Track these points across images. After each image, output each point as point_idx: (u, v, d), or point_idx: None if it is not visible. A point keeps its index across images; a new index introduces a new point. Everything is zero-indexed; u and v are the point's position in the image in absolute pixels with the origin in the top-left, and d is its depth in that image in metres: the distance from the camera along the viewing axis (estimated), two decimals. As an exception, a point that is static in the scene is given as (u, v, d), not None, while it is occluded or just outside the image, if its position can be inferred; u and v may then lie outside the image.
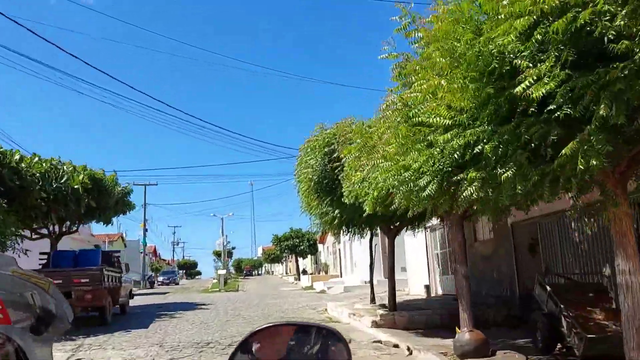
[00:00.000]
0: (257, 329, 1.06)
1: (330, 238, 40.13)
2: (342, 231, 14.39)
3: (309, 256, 52.37)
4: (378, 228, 13.69)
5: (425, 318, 11.76)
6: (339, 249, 36.91)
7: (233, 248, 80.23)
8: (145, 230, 44.67)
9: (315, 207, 11.50)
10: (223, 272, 32.11)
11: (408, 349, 8.88)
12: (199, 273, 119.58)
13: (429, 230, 17.98)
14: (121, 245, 45.78)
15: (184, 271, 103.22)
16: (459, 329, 7.91)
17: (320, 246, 47.79)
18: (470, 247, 14.59)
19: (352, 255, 32.53)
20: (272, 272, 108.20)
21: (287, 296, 26.41)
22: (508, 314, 11.84)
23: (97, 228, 37.38)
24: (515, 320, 11.63)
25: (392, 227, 12.61)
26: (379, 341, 10.19)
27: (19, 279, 0.99)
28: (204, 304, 20.49)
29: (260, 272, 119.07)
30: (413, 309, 13.10)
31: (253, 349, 1.08)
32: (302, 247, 46.85)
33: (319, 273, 45.22)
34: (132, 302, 22.04)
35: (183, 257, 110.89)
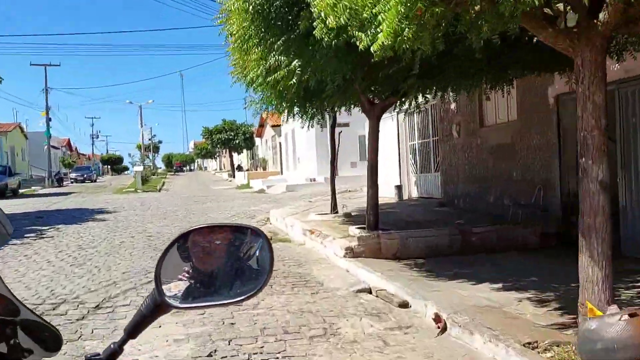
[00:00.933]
0: (180, 234, 0.92)
1: (269, 130, 35.29)
2: (294, 110, 9.67)
3: (244, 151, 47.56)
4: (350, 106, 9.00)
5: (426, 241, 7.59)
6: (280, 143, 32.29)
7: (159, 142, 73.97)
8: (49, 119, 37.71)
9: (256, 60, 6.57)
10: (139, 168, 26.89)
11: (437, 318, 4.63)
12: (126, 168, 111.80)
13: (402, 114, 13.58)
14: (20, 138, 38.93)
15: (109, 166, 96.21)
16: (581, 306, 3.59)
17: (257, 140, 42.95)
18: (471, 135, 10.31)
19: (295, 150, 28.09)
20: (205, 168, 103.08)
21: (218, 198, 21.92)
22: (544, 233, 7.91)
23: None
24: (556, 240, 7.76)
25: (377, 100, 7.92)
26: (367, 290, 5.93)
27: None
28: (104, 211, 15.61)
29: (192, 168, 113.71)
30: (400, 224, 8.93)
31: (179, 257, 0.94)
32: (236, 141, 41.85)
33: (256, 169, 40.78)
34: (12, 207, 16.80)
35: (107, 151, 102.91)
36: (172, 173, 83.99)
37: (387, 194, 14.57)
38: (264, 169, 37.36)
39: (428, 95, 7.17)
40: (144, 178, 28.81)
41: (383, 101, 7.64)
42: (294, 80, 5.72)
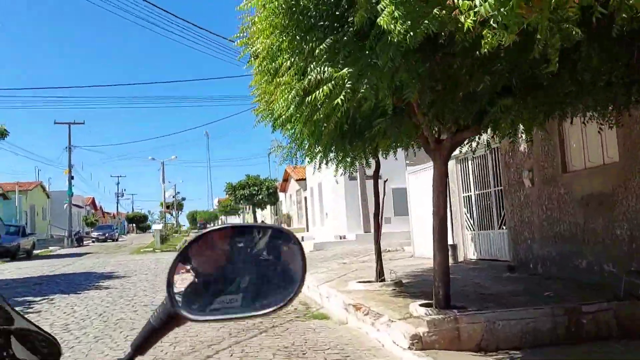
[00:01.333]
0: (193, 238, 0.87)
1: (293, 185, 33.71)
2: (329, 154, 7.99)
3: (267, 207, 45.99)
4: (406, 144, 7.18)
5: (521, 325, 5.53)
6: (305, 197, 30.58)
7: (183, 199, 73.09)
8: (71, 177, 36.89)
9: (287, 84, 4.93)
10: (158, 226, 25.30)
11: None
12: (151, 227, 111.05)
13: (454, 160, 11.73)
14: (41, 197, 38.12)
15: (135, 225, 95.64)
16: None
17: (281, 195, 41.40)
18: (550, 183, 8.34)
19: (322, 204, 26.27)
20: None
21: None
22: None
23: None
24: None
25: (444, 135, 6.06)
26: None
27: None
28: (112, 276, 13.83)
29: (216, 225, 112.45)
30: (473, 299, 6.87)
31: (193, 264, 0.86)
32: (260, 197, 40.31)
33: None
34: (17, 271, 15.20)
35: (132, 209, 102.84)
36: (196, 230, 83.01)
37: (429, 253, 12.52)
38: (288, 225, 35.53)
39: (520, 125, 5.30)
40: (164, 237, 27.18)
41: (453, 136, 5.79)
42: (339, 100, 3.93)
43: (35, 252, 27.04)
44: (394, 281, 8.74)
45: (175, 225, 64.27)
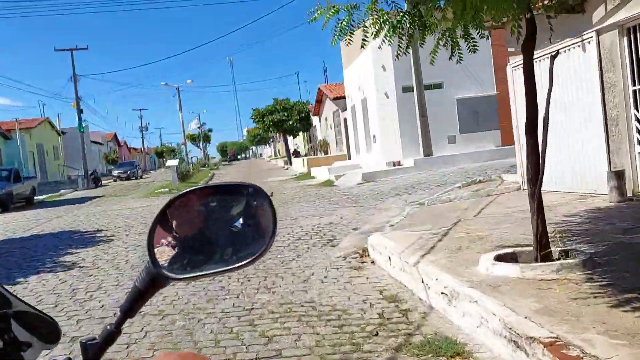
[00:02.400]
0: (171, 199, 0.89)
1: (329, 105, 28.99)
2: None
3: (300, 134, 41.64)
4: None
5: None
6: (345, 119, 25.95)
7: (210, 130, 69.13)
8: (81, 110, 33.05)
9: None
10: (173, 162, 21.22)
11: None
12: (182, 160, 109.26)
13: (616, 30, 6.95)
14: (49, 134, 34.53)
15: (164, 160, 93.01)
16: None
17: (314, 120, 36.83)
18: None
19: (368, 125, 21.70)
20: (260, 155, 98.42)
21: (275, 196, 15.94)
22: None
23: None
24: None
25: None
26: None
27: None
28: (95, 239, 9.92)
29: (247, 156, 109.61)
30: None
31: (172, 224, 0.88)
32: (290, 122, 35.88)
33: (315, 154, 34.69)
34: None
35: (161, 143, 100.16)
36: (227, 162, 79.84)
37: (579, 187, 7.98)
38: (325, 152, 31.22)
39: None
40: (185, 173, 23.29)
41: None
42: None
43: (41, 197, 23.71)
44: (575, 259, 4.34)
45: (203, 158, 60.94)
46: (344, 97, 25.69)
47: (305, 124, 36.87)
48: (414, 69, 17.89)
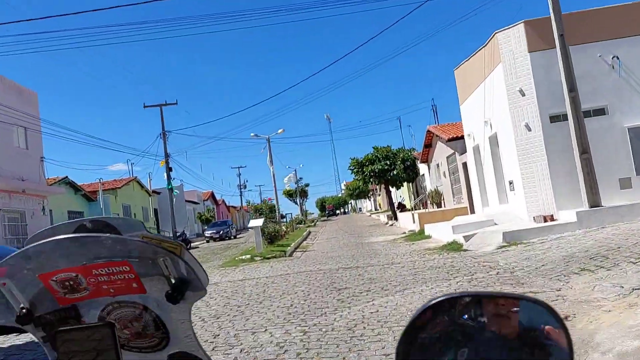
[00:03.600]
0: (418, 311, 0.71)
1: (441, 149, 24.44)
2: None
3: (404, 184, 37.06)
4: None
5: None
6: (464, 163, 21.21)
7: (306, 185, 66.57)
8: (170, 169, 31.28)
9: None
10: (258, 222, 17.59)
11: None
12: (282, 217, 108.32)
13: None
14: (138, 194, 32.96)
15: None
16: None
17: (422, 168, 32.25)
18: None
19: (499, 168, 16.88)
20: (360, 209, 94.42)
21: (386, 268, 11.64)
22: None
23: (82, 175, 24.30)
24: None
25: None
26: None
27: (149, 245, 0.85)
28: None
29: (346, 211, 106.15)
30: None
31: (424, 343, 0.72)
32: (394, 172, 31.59)
33: (424, 207, 29.82)
34: None
35: (261, 200, 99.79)
36: (325, 218, 76.67)
37: None
38: (438, 205, 26.36)
39: None
40: (274, 233, 19.64)
41: None
42: None
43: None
44: None
45: (300, 215, 58.13)
46: (461, 138, 21.07)
47: (410, 173, 32.38)
48: (567, 88, 13.09)
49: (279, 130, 27.19)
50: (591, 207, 12.99)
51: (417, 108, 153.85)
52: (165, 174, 31.31)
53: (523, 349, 0.68)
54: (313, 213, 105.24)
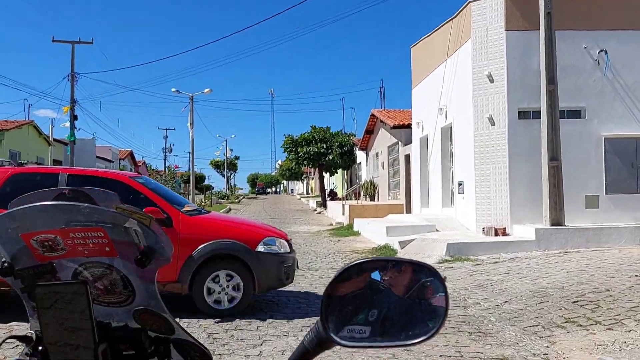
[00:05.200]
0: (347, 266, 0.89)
1: (384, 137, 21.97)
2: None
3: (339, 171, 34.57)
4: None
5: None
6: (407, 156, 18.78)
7: (236, 158, 62.88)
8: (75, 117, 26.95)
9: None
10: None
11: None
12: (209, 187, 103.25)
13: None
14: (34, 142, 28.32)
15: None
16: None
17: (360, 155, 29.80)
18: None
19: (449, 165, 14.56)
20: (292, 191, 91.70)
21: (306, 277, 8.84)
22: None
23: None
24: None
25: None
26: None
27: (122, 215, 0.98)
28: None
29: (278, 191, 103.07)
30: None
31: (346, 291, 0.90)
32: (330, 157, 28.95)
33: (356, 198, 27.38)
34: None
35: (188, 168, 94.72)
36: (254, 196, 73.33)
37: None
38: (372, 198, 23.98)
39: None
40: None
41: None
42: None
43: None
44: None
45: (227, 189, 54.48)
46: (408, 126, 18.64)
47: (347, 160, 29.86)
48: (546, 80, 10.81)
49: (206, 90, 23.63)
50: (552, 225, 10.81)
51: (365, 89, 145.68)
52: (69, 122, 26.92)
53: (416, 306, 0.87)
54: (242, 189, 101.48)
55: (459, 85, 13.21)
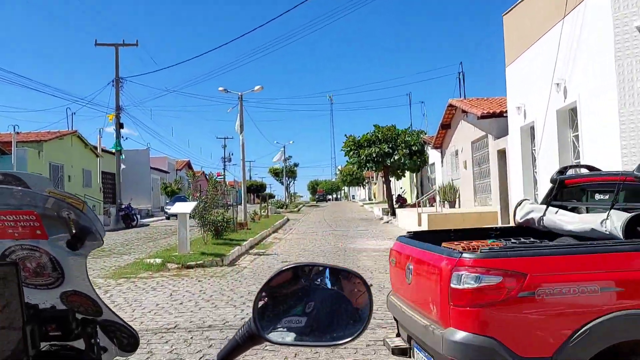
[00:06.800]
0: (280, 270, 0.97)
1: (465, 131, 18.39)
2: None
3: (407, 174, 31.01)
4: None
5: None
6: (500, 151, 15.13)
7: (295, 165, 60.41)
8: (121, 125, 25.04)
9: None
10: (184, 207, 11.19)
11: None
12: (272, 196, 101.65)
13: None
14: (78, 153, 26.59)
15: (254, 195, 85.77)
16: None
17: (434, 155, 26.19)
18: None
19: (577, 158, 10.89)
20: (353, 197, 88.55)
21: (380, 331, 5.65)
22: None
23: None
24: None
25: None
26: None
27: (55, 199, 0.98)
28: None
29: (338, 197, 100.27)
30: None
31: (277, 292, 0.98)
32: (396, 157, 25.55)
33: (430, 205, 23.74)
34: None
35: (250, 177, 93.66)
36: (314, 203, 70.76)
37: None
38: (452, 204, 20.36)
39: None
40: (219, 224, 13.77)
41: None
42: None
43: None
44: None
45: (286, 198, 52.05)
46: (500, 115, 15.02)
47: (417, 161, 26.33)
48: None
49: (256, 87, 20.89)
50: None
51: (436, 78, 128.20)
52: (114, 131, 25.06)
53: (343, 310, 0.93)
54: (302, 196, 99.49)
55: (587, 49, 9.60)
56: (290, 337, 0.91)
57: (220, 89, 20.83)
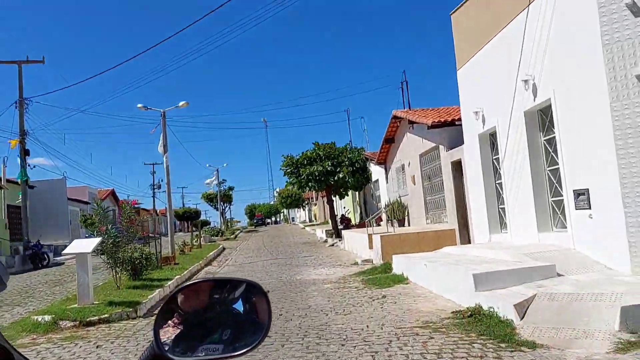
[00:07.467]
0: (180, 287, 1.01)
1: (413, 141, 17.00)
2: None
3: (349, 193, 29.44)
4: None
5: None
6: (455, 162, 13.74)
7: (230, 189, 57.77)
8: (25, 152, 21.89)
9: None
10: (85, 245, 9.09)
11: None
12: (207, 223, 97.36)
13: None
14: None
15: (189, 222, 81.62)
16: None
17: (377, 172, 24.79)
18: None
19: (546, 164, 9.51)
20: (292, 219, 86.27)
21: None
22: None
23: None
24: None
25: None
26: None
27: None
28: None
29: (278, 220, 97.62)
30: None
31: (178, 310, 1.01)
32: (340, 175, 23.94)
33: (377, 224, 22.20)
34: None
35: (183, 204, 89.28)
36: (252, 228, 67.98)
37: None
38: (401, 223, 18.87)
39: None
40: (138, 262, 11.48)
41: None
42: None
43: None
44: None
45: (221, 225, 49.17)
46: (451, 123, 13.67)
47: (359, 179, 24.81)
48: None
49: (181, 103, 18.62)
50: None
51: (377, 89, 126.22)
52: (19, 159, 21.86)
53: (244, 320, 0.98)
54: (240, 221, 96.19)
55: (562, 37, 8.29)
56: (193, 353, 0.91)
57: (140, 105, 18.38)
